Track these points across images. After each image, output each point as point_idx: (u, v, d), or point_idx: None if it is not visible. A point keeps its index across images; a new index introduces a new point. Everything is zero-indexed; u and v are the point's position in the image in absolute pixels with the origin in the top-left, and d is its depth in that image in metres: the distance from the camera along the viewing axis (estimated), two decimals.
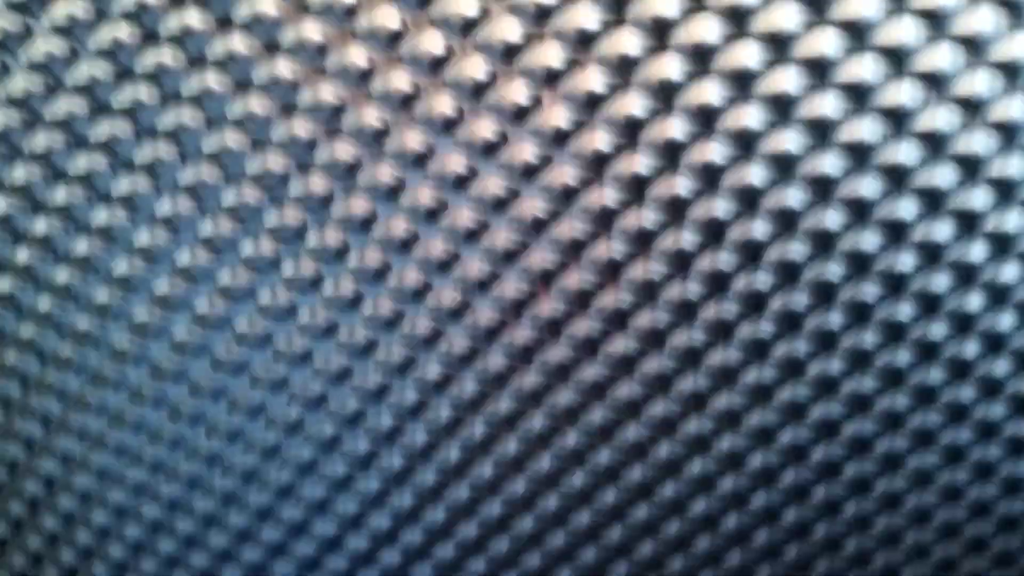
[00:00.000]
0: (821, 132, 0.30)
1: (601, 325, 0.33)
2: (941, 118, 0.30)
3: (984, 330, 0.33)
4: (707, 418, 0.35)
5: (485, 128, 0.31)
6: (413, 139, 0.31)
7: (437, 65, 0.30)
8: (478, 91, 0.30)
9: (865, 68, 0.29)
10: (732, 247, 0.32)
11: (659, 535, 0.37)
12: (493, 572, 0.39)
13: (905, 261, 0.32)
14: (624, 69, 0.30)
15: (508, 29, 0.29)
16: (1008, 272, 0.32)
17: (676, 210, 0.31)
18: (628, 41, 0.29)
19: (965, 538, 0.37)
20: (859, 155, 0.30)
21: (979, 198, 0.31)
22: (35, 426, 0.37)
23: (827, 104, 0.30)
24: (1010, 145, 0.30)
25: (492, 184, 0.31)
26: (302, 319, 0.34)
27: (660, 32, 0.29)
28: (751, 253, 0.32)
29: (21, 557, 0.40)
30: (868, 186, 0.31)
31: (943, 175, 0.30)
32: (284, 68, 0.30)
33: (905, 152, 0.30)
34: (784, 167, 0.31)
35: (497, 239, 0.32)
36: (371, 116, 0.31)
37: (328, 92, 0.30)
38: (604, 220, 0.32)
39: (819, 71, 0.29)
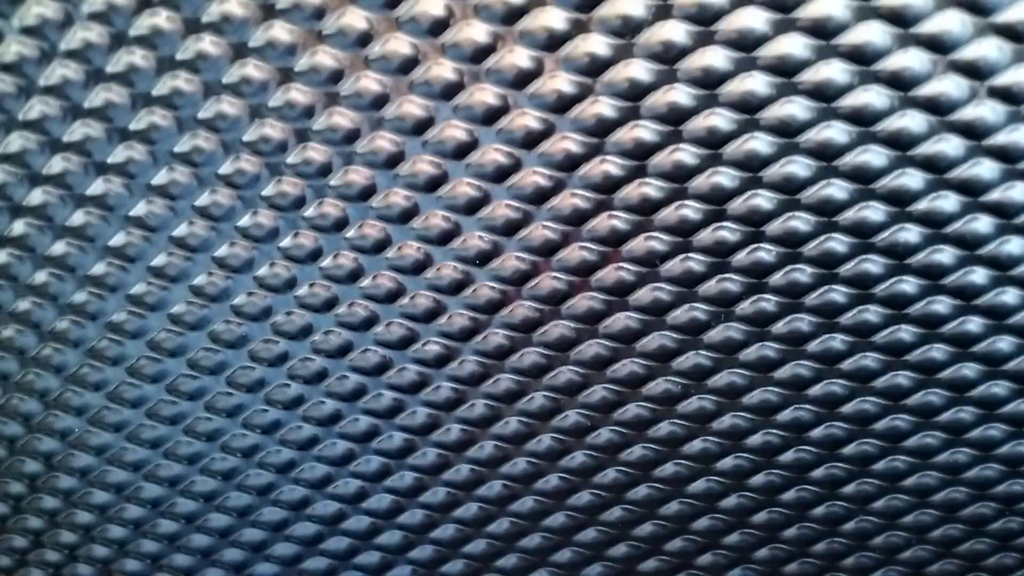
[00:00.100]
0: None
1: (602, 301, 0.33)
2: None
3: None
4: (710, 397, 0.34)
5: (486, 95, 0.30)
6: (413, 106, 0.30)
7: (437, 29, 0.29)
8: (479, 56, 0.30)
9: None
10: (736, 220, 0.31)
11: (659, 518, 0.37)
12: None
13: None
14: (630, 33, 0.29)
15: None
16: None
17: (679, 182, 0.31)
18: (633, 5, 0.29)
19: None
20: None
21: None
22: (33, 403, 0.36)
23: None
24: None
25: (493, 154, 0.31)
26: (300, 293, 0.33)
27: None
28: (755, 227, 0.31)
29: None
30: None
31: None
32: (281, 32, 0.30)
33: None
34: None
35: (497, 211, 0.32)
36: (371, 81, 0.30)
37: (327, 58, 0.30)
38: (606, 191, 0.31)
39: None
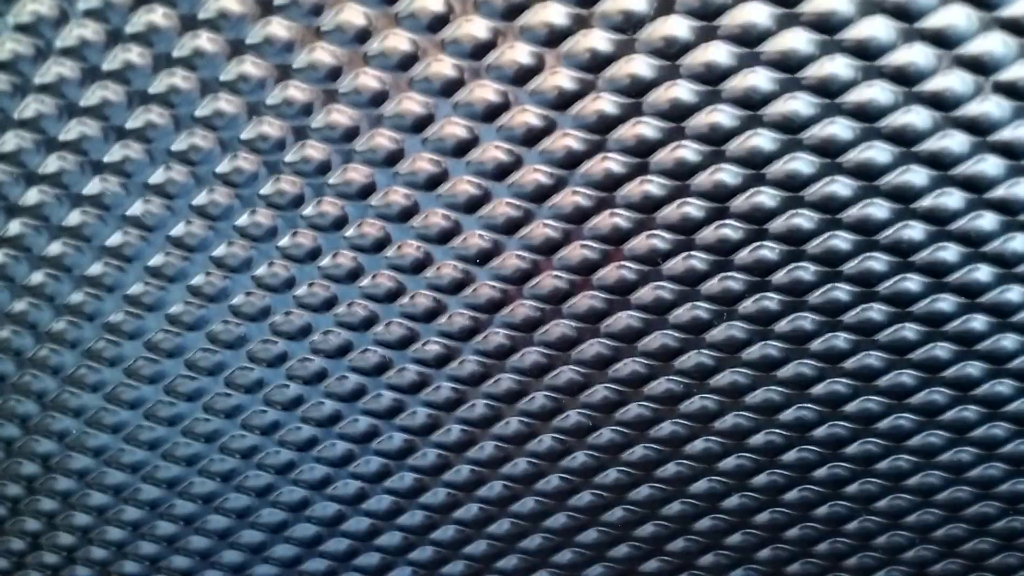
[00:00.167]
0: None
1: (604, 299, 0.32)
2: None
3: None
4: (713, 396, 0.34)
5: (486, 91, 0.30)
6: (412, 103, 0.30)
7: (436, 25, 0.29)
8: (479, 52, 0.29)
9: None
10: (739, 217, 0.31)
11: (661, 519, 0.37)
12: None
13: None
14: (632, 29, 0.29)
15: None
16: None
17: (681, 179, 0.31)
18: (634, 0, 0.29)
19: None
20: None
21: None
22: (30, 404, 0.36)
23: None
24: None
25: (493, 152, 0.31)
26: (299, 292, 0.33)
27: None
28: (758, 225, 0.31)
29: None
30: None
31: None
32: (279, 29, 0.29)
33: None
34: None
35: (497, 209, 0.31)
36: (369, 78, 0.30)
37: (326, 55, 0.30)
38: (607, 189, 0.31)
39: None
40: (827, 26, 0.28)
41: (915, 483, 0.35)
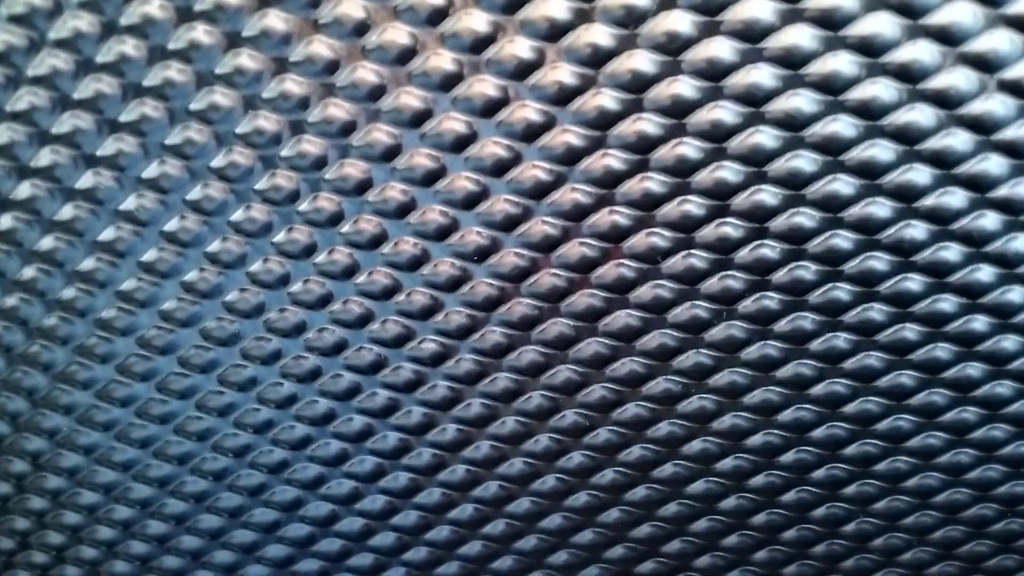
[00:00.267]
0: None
1: (602, 298, 0.32)
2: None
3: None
4: (710, 396, 0.34)
5: (486, 86, 0.29)
6: (410, 97, 0.30)
7: (436, 18, 0.29)
8: (479, 46, 0.29)
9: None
10: (740, 216, 0.31)
11: (658, 520, 0.37)
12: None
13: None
14: (634, 23, 0.28)
15: None
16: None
17: (682, 176, 0.30)
18: None
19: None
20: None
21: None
22: (20, 401, 0.35)
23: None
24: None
25: (492, 147, 0.30)
26: (294, 289, 0.33)
27: None
28: (758, 223, 0.31)
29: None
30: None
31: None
32: (275, 21, 0.29)
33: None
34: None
35: (495, 206, 0.31)
36: (368, 72, 0.29)
37: (323, 47, 0.29)
38: (607, 186, 0.31)
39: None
40: (831, 22, 0.28)
41: (913, 485, 0.35)
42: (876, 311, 0.32)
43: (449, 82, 0.29)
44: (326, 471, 0.36)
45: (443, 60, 0.29)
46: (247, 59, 0.29)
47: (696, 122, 0.29)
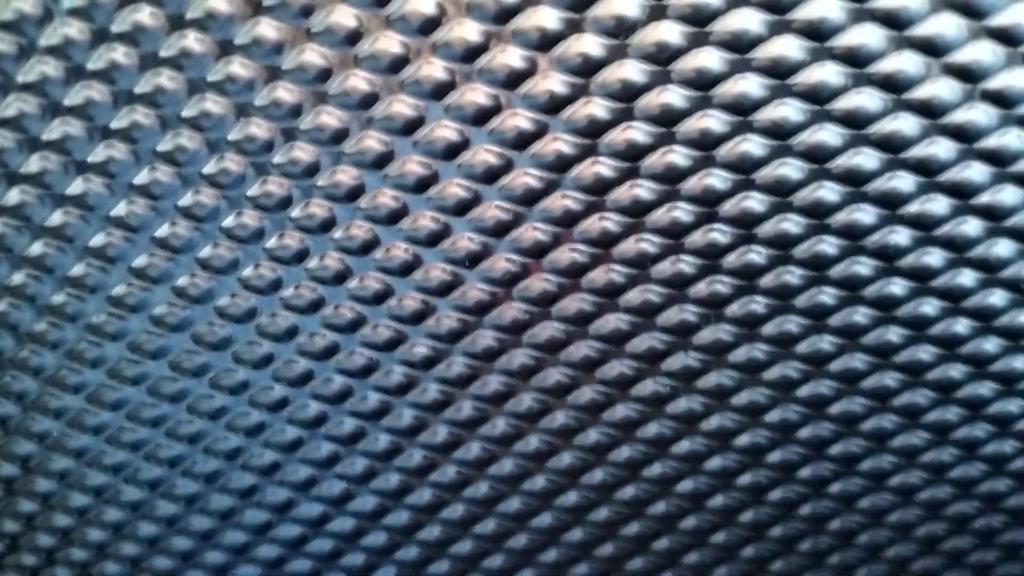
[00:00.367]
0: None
1: (592, 302, 0.33)
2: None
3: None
4: (698, 398, 0.34)
5: (478, 95, 0.30)
6: (402, 105, 0.30)
7: (428, 28, 0.29)
8: (470, 55, 0.29)
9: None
10: (728, 222, 0.31)
11: (646, 518, 0.37)
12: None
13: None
14: (624, 33, 0.29)
15: None
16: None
17: (671, 184, 0.31)
18: (627, 5, 0.28)
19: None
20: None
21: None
22: (11, 405, 0.35)
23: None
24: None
25: (483, 154, 0.30)
26: (286, 294, 0.33)
27: None
28: (746, 229, 0.31)
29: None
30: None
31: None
32: (268, 29, 0.29)
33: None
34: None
35: (487, 212, 0.31)
36: (358, 81, 0.30)
37: (314, 55, 0.29)
38: (597, 193, 0.31)
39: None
40: (818, 33, 0.28)
41: (897, 483, 0.36)
42: (860, 314, 0.32)
43: (441, 90, 0.30)
44: (317, 472, 0.36)
45: (435, 69, 0.29)
46: (239, 67, 0.30)
47: (685, 131, 0.30)
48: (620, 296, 0.32)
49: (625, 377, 0.34)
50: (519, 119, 0.30)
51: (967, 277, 0.32)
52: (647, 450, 0.35)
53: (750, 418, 0.34)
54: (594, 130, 0.30)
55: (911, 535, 0.37)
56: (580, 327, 0.33)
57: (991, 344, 0.33)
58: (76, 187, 0.31)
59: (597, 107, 0.30)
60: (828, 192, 0.31)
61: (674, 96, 0.29)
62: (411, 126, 0.30)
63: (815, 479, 0.36)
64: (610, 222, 0.31)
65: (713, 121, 0.30)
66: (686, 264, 0.32)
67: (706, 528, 0.37)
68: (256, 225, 0.32)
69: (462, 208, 0.31)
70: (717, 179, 0.30)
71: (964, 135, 0.30)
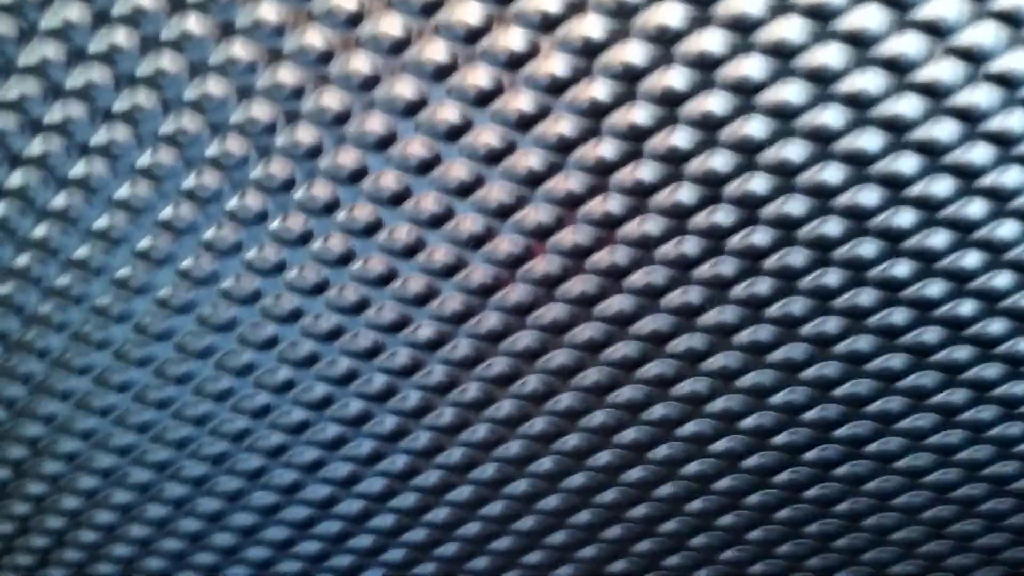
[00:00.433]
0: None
1: (597, 284, 0.33)
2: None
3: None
4: (704, 379, 0.34)
5: (479, 76, 0.29)
6: (403, 88, 0.30)
7: (429, 10, 0.29)
8: (472, 38, 0.29)
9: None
10: (731, 203, 0.31)
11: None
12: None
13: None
14: (624, 16, 0.29)
15: None
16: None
17: (674, 165, 0.31)
18: None
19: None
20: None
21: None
22: (17, 387, 0.36)
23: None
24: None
25: (486, 136, 0.30)
26: (290, 276, 0.33)
27: None
28: (750, 210, 0.31)
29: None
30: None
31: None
32: (268, 12, 0.29)
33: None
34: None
35: (490, 194, 0.31)
36: (360, 63, 0.30)
37: (315, 38, 0.29)
38: (600, 174, 0.31)
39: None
40: (821, 14, 0.28)
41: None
42: (865, 296, 0.32)
43: (443, 72, 0.30)
44: (324, 454, 0.36)
45: (437, 50, 0.29)
46: (240, 49, 0.29)
47: (688, 112, 0.30)
48: (624, 278, 0.32)
49: (630, 359, 0.34)
50: (521, 100, 0.30)
51: (971, 259, 0.31)
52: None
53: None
54: (597, 111, 0.30)
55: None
56: (584, 308, 0.33)
57: (997, 326, 0.33)
58: (79, 169, 0.31)
59: (599, 89, 0.30)
60: (831, 173, 0.30)
61: (677, 77, 0.29)
62: (413, 107, 0.30)
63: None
64: (614, 203, 0.31)
65: (716, 102, 0.30)
66: (690, 246, 0.32)
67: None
68: (259, 207, 0.32)
69: (465, 190, 0.31)
70: (720, 160, 0.30)
71: (968, 116, 0.29)
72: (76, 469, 0.37)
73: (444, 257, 0.32)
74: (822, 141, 0.30)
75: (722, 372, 0.34)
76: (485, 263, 0.32)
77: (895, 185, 0.31)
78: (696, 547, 0.38)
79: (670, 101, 0.30)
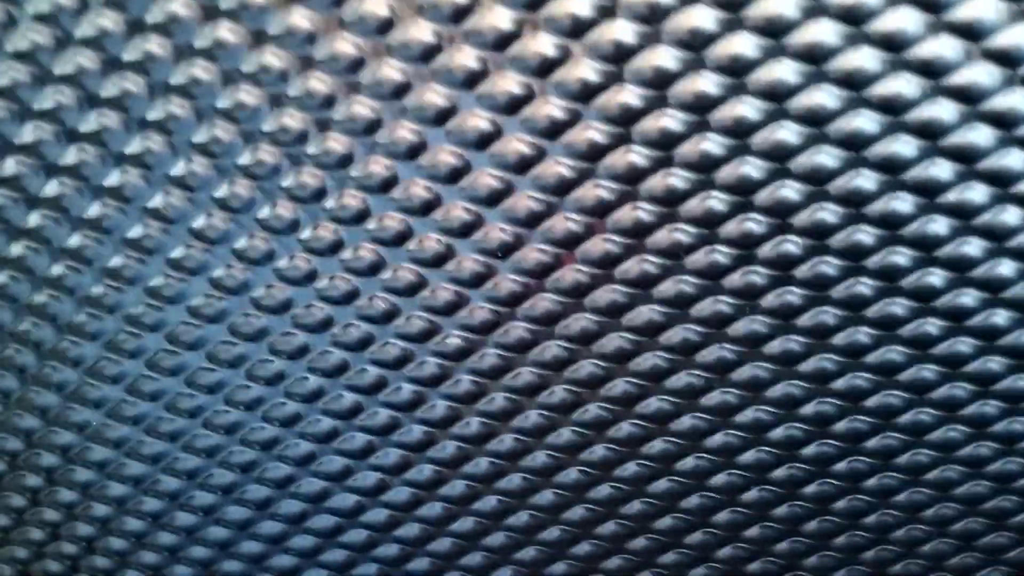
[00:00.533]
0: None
1: (625, 293, 0.32)
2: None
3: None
4: (732, 389, 0.34)
5: (509, 82, 0.29)
6: (432, 96, 0.30)
7: (459, 16, 0.29)
8: (501, 44, 0.29)
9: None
10: (762, 212, 0.31)
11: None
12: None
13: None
14: (655, 19, 0.28)
15: None
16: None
17: (705, 172, 0.30)
18: None
19: (987, 511, 0.36)
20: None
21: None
22: (51, 395, 0.36)
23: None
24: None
25: (515, 143, 0.30)
26: (321, 285, 0.33)
27: None
28: (781, 220, 0.31)
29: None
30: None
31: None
32: (300, 20, 0.29)
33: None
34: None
35: (519, 202, 0.31)
36: (390, 71, 0.30)
37: (346, 46, 0.29)
38: (630, 182, 0.31)
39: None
40: (853, 18, 0.28)
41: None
42: (898, 306, 0.32)
43: (473, 79, 0.30)
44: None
45: (467, 57, 0.29)
46: (272, 57, 0.30)
47: (719, 118, 0.29)
48: (653, 287, 0.32)
49: (659, 369, 0.34)
50: (551, 107, 0.30)
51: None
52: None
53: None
54: (627, 118, 0.30)
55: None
56: (613, 318, 0.33)
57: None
58: (113, 179, 0.32)
59: (630, 94, 0.29)
60: (865, 181, 0.30)
61: (708, 83, 0.29)
62: (443, 115, 0.30)
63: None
64: (643, 212, 0.31)
65: (748, 108, 0.29)
66: (721, 255, 0.31)
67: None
68: (291, 216, 0.32)
69: (494, 198, 0.31)
70: (752, 167, 0.30)
71: (1003, 120, 0.29)
72: (107, 477, 0.37)
73: (472, 267, 0.32)
74: (855, 147, 0.30)
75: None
76: (513, 272, 0.32)
77: (929, 192, 0.30)
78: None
79: (702, 107, 0.29)
